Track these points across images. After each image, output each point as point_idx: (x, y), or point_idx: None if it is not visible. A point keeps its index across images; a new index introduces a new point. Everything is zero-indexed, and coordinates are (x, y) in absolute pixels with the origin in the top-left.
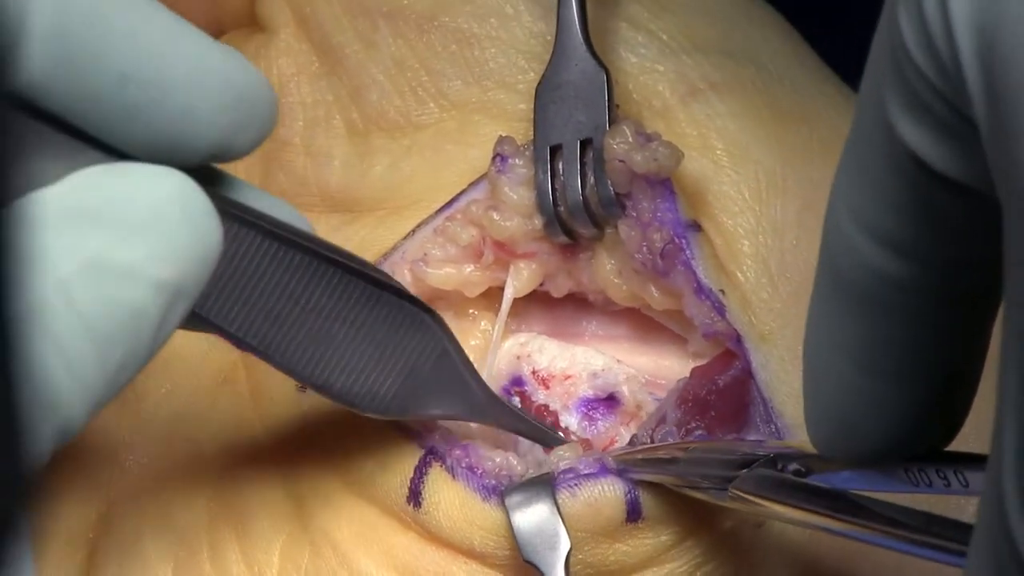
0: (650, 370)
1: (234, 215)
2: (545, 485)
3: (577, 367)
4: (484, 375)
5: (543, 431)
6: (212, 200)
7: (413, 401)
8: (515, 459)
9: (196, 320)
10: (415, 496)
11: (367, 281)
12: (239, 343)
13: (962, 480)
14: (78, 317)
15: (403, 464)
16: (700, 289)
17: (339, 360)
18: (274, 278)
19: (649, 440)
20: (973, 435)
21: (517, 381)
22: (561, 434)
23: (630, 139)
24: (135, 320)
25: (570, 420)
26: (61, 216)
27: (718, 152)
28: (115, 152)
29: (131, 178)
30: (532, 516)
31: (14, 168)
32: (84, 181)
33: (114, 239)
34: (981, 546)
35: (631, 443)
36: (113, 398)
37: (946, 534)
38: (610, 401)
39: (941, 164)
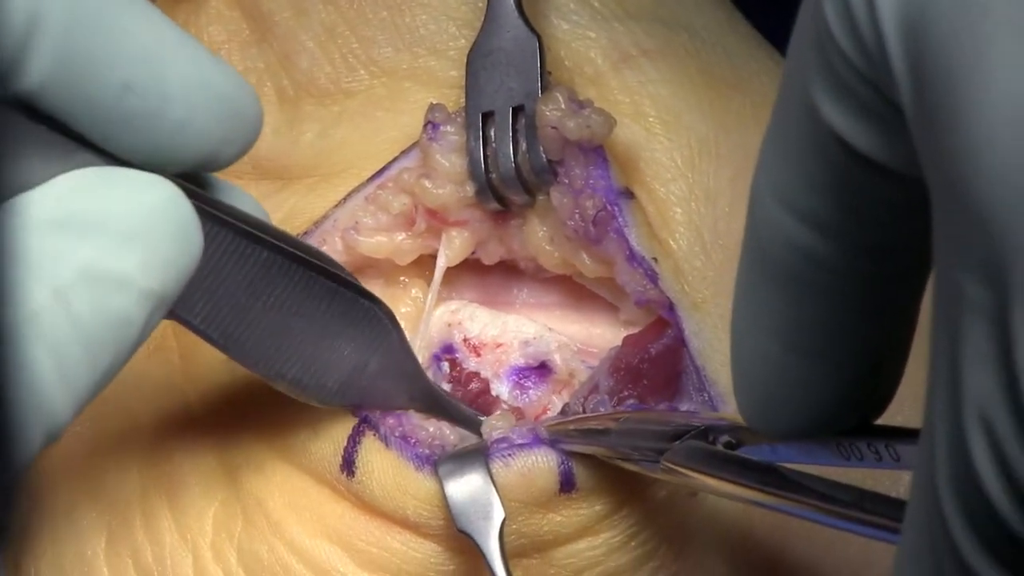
0: (582, 338)
1: (205, 211)
2: (478, 455)
3: (508, 335)
4: (416, 343)
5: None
6: (191, 201)
7: (357, 392)
8: (448, 429)
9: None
10: (348, 465)
11: (326, 277)
12: (201, 334)
13: (893, 454)
14: (73, 324)
15: (337, 432)
16: (632, 257)
17: (293, 353)
18: (240, 274)
19: (581, 409)
20: (909, 401)
21: (448, 349)
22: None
23: (563, 106)
24: (123, 327)
25: (501, 388)
26: (57, 221)
27: (650, 119)
28: (107, 154)
29: (124, 185)
30: (465, 486)
31: (10, 168)
32: (78, 184)
33: (108, 248)
34: (915, 528)
35: (563, 412)
36: (92, 401)
37: (878, 510)
38: (542, 369)
39: (865, 146)
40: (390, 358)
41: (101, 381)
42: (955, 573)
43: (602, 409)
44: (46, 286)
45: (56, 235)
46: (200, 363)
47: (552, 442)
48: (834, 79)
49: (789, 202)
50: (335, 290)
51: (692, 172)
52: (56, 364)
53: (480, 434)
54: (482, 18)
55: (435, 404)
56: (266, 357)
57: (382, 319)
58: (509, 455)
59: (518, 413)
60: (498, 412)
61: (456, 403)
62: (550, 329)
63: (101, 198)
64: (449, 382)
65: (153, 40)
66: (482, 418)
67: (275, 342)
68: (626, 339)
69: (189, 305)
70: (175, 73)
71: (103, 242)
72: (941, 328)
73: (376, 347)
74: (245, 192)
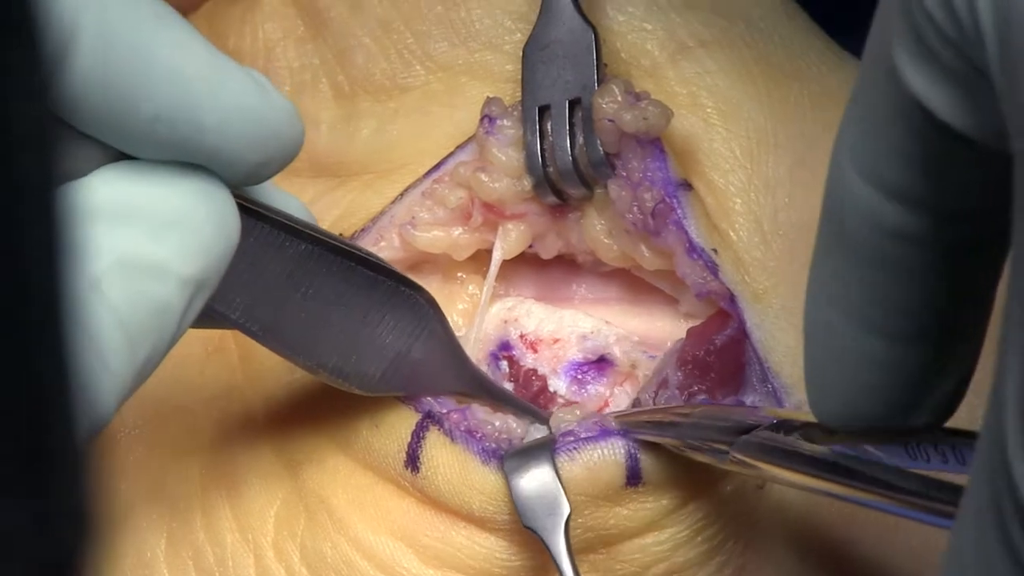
0: (641, 332)
1: (243, 205)
2: (545, 449)
3: (565, 330)
4: (471, 339)
5: (529, 408)
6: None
7: (400, 380)
8: (514, 422)
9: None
10: (413, 461)
11: (365, 267)
12: (240, 328)
13: (959, 458)
14: (112, 312)
15: (400, 429)
16: (692, 248)
17: (333, 343)
18: (278, 266)
19: (652, 403)
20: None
21: (505, 346)
22: (543, 411)
23: (619, 98)
24: (162, 315)
25: (558, 384)
26: (93, 212)
27: (708, 110)
28: None
29: (160, 176)
30: (532, 481)
31: (58, 154)
32: (115, 176)
33: (145, 236)
34: (978, 489)
35: (633, 405)
36: (136, 391)
37: (943, 497)
38: (600, 364)
39: (947, 114)
40: (433, 344)
41: (142, 370)
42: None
43: (674, 403)
44: (84, 275)
45: (95, 226)
46: (259, 363)
47: (621, 433)
48: (919, 44)
49: (871, 172)
50: (374, 279)
51: (751, 162)
52: (98, 352)
53: (541, 423)
54: (537, 11)
55: (482, 389)
56: (306, 347)
57: (423, 306)
58: (575, 448)
59: (570, 407)
60: (565, 405)
61: (503, 389)
62: (607, 323)
63: (137, 188)
64: (509, 381)
65: (187, 68)
66: (532, 406)
67: (314, 332)
68: (690, 331)
69: (228, 300)
70: (209, 101)
71: (139, 231)
72: (1018, 307)
73: (418, 334)
74: (291, 195)
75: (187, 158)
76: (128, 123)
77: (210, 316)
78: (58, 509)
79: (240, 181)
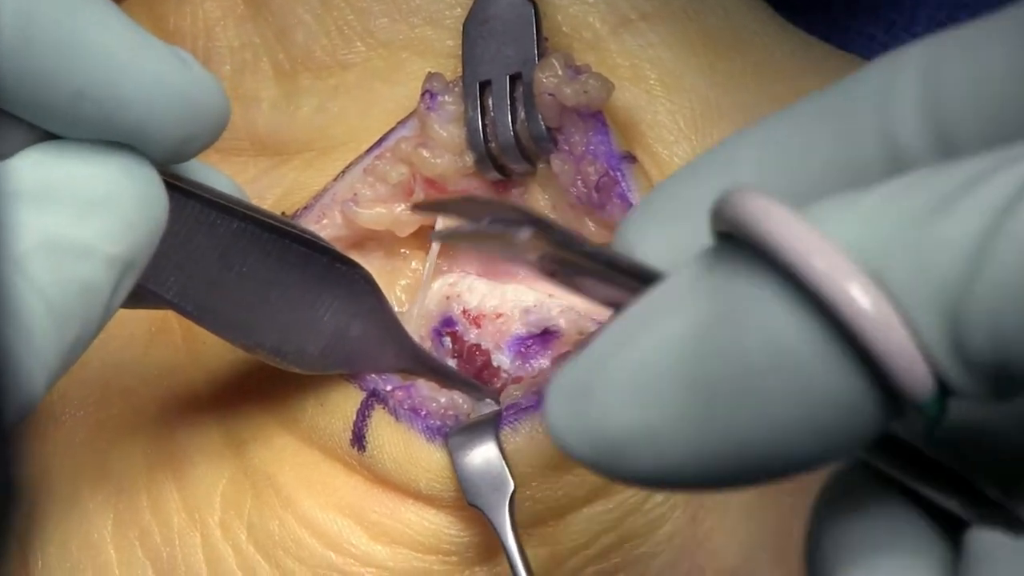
0: (585, 306)
1: (172, 184)
2: (490, 425)
3: (508, 305)
4: (414, 315)
5: (469, 382)
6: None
7: (340, 358)
8: (461, 398)
9: (135, 291)
10: (359, 440)
11: (300, 244)
12: (175, 308)
13: None
14: (38, 294)
15: (345, 407)
16: None
17: (271, 322)
18: (211, 245)
19: None
20: None
21: (448, 322)
22: (484, 386)
23: (559, 72)
24: (89, 295)
25: (502, 359)
26: (16, 193)
27: (651, 82)
28: None
29: (84, 156)
30: (476, 457)
31: None
32: (38, 158)
33: (69, 216)
34: None
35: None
36: (64, 374)
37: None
38: (544, 337)
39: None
40: (371, 321)
41: (71, 352)
42: None
43: None
44: (8, 257)
45: (19, 207)
46: (203, 342)
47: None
48: None
49: None
50: (309, 256)
51: (695, 134)
52: (25, 335)
53: (482, 397)
54: None
55: (423, 365)
56: (243, 327)
57: (359, 282)
58: (516, 420)
59: (522, 382)
60: (513, 382)
61: (444, 364)
62: (551, 296)
63: (61, 168)
64: (453, 357)
65: (109, 43)
66: (472, 380)
67: (251, 312)
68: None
69: (161, 280)
70: (132, 77)
71: (63, 210)
72: None
73: (356, 311)
74: (220, 172)
75: (111, 135)
76: (50, 99)
77: (144, 297)
78: None
79: (166, 158)
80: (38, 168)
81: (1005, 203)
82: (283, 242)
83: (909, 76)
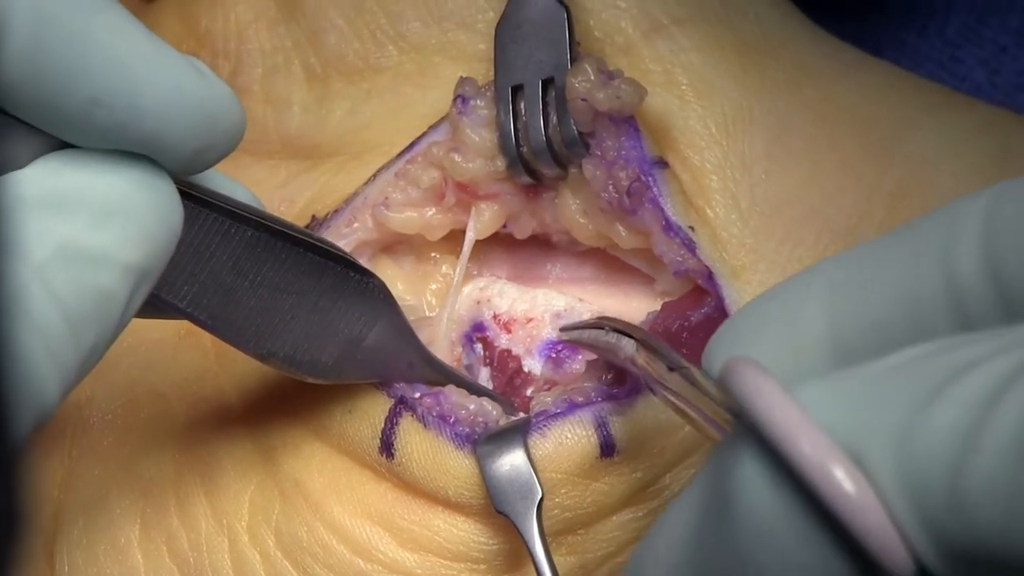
0: (615, 310)
1: (187, 193)
2: (518, 432)
3: (539, 309)
4: (444, 319)
5: (486, 391)
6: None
7: (353, 367)
8: (490, 405)
9: (148, 300)
10: (387, 447)
11: (314, 252)
12: (189, 318)
13: None
14: (55, 301)
15: (373, 415)
16: (669, 226)
17: (284, 331)
18: (224, 254)
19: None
20: None
21: (478, 327)
22: (501, 396)
23: (592, 77)
24: (106, 303)
25: (533, 364)
26: (35, 201)
27: (683, 87)
28: None
29: (101, 164)
30: (504, 465)
31: None
32: (55, 166)
33: (86, 225)
34: None
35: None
36: (81, 381)
37: None
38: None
39: None
40: (385, 330)
41: (88, 359)
42: None
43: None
44: (27, 264)
45: (36, 216)
46: (232, 347)
47: (590, 404)
48: None
49: None
50: (324, 265)
51: (727, 139)
52: (43, 342)
53: (500, 405)
54: None
55: (437, 373)
56: (256, 336)
57: (374, 291)
58: (545, 426)
59: (552, 389)
60: (542, 387)
61: (458, 372)
62: (581, 300)
63: (77, 177)
64: (485, 365)
65: (124, 51)
66: (487, 389)
67: (264, 320)
68: (665, 305)
69: (175, 289)
70: (146, 85)
71: (80, 220)
72: None
73: (370, 320)
74: (237, 182)
75: (125, 144)
76: (65, 107)
77: (158, 306)
78: None
79: (181, 168)
80: (55, 176)
81: (989, 397)
82: (297, 250)
83: (972, 232)
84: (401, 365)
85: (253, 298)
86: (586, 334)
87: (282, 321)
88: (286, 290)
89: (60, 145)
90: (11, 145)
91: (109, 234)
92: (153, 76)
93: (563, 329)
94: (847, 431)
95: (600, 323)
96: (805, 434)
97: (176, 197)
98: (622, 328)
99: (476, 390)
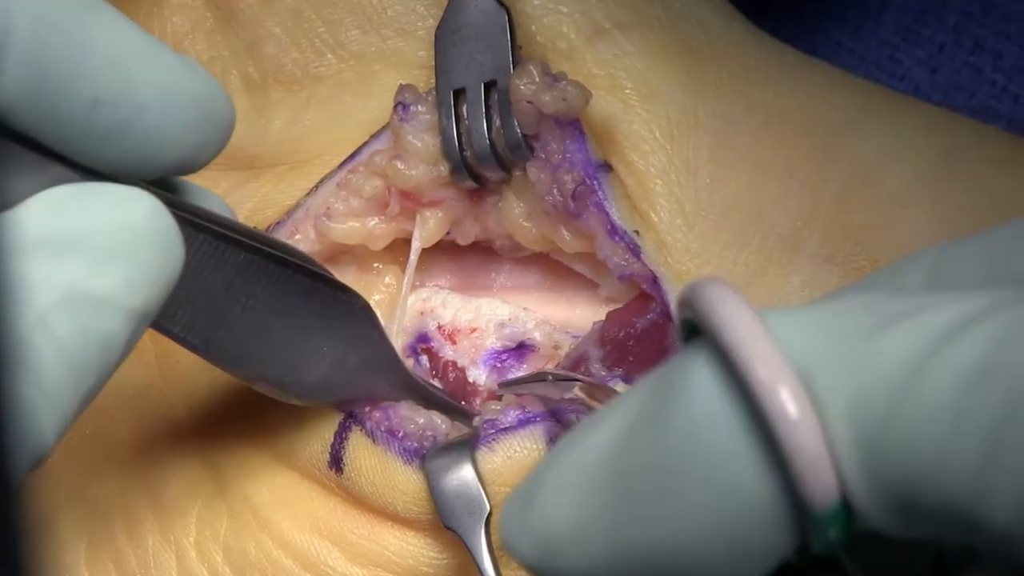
0: (560, 318)
1: (182, 217)
2: (466, 446)
3: (483, 319)
4: (394, 331)
5: (460, 410)
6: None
7: (337, 388)
8: (439, 419)
9: None
10: (336, 462)
11: (303, 274)
12: (180, 342)
13: None
14: (58, 349)
15: (323, 429)
16: (614, 230)
17: (274, 353)
18: (218, 277)
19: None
20: None
21: (423, 338)
22: (473, 412)
23: (537, 79)
24: (108, 347)
25: (478, 374)
26: (36, 243)
27: (627, 91)
28: (80, 167)
29: (104, 202)
30: (452, 480)
31: None
32: (55, 204)
33: (91, 268)
34: None
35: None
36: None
37: None
38: (520, 350)
39: None
40: (369, 351)
41: (85, 401)
42: None
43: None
44: (29, 312)
45: (38, 258)
46: (176, 361)
47: (541, 417)
48: None
49: None
50: (312, 286)
51: (671, 143)
52: (42, 388)
53: (467, 420)
54: None
55: (415, 391)
56: (247, 359)
57: (359, 313)
58: (494, 440)
59: (500, 400)
60: (491, 399)
61: (438, 393)
62: (526, 309)
63: (80, 217)
64: (432, 376)
65: (122, 50)
66: (461, 402)
67: (255, 344)
68: (610, 314)
69: (169, 314)
70: (146, 82)
71: (84, 263)
72: None
73: (354, 341)
74: (212, 192)
75: (128, 143)
76: (68, 110)
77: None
78: None
79: (181, 165)
80: (58, 214)
81: (945, 333)
82: (287, 272)
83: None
84: (382, 386)
85: (244, 321)
86: (526, 387)
87: (272, 344)
88: (276, 312)
89: (58, 179)
90: (11, 178)
91: (114, 278)
92: (152, 74)
93: (501, 385)
94: (802, 352)
95: (541, 375)
96: (760, 345)
97: (178, 233)
98: (563, 376)
99: (454, 411)
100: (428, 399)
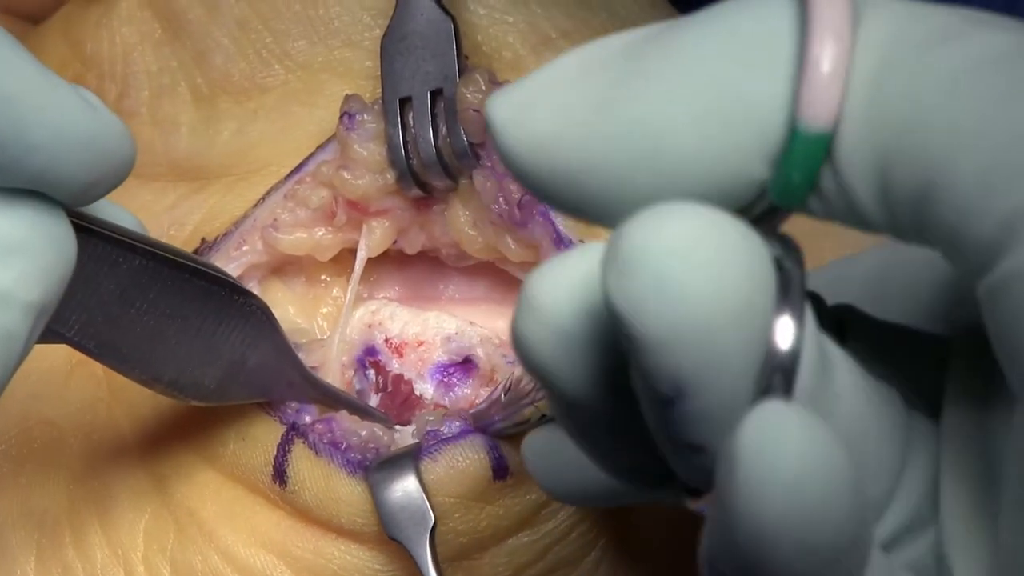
0: (506, 332)
1: (75, 223)
2: (409, 457)
3: (430, 332)
4: (335, 343)
5: (369, 410)
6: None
7: (236, 389)
8: (381, 431)
9: None
10: (280, 475)
11: (199, 278)
12: (75, 346)
13: None
14: None
15: (266, 442)
16: (560, 239)
17: (169, 356)
18: (112, 283)
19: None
20: None
21: (371, 351)
22: (382, 411)
23: (483, 87)
24: (7, 343)
25: (425, 388)
26: None
27: None
28: None
29: None
30: (396, 491)
31: None
32: None
33: None
34: None
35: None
36: None
37: None
38: (466, 365)
39: None
40: (267, 351)
41: None
42: None
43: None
44: None
45: None
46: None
47: (481, 428)
48: None
49: None
50: (208, 289)
51: None
52: None
53: (383, 424)
54: (394, 7)
55: (318, 392)
56: (142, 362)
57: (256, 313)
58: (436, 451)
59: (438, 410)
60: (431, 408)
61: (340, 392)
62: (472, 323)
63: None
64: (377, 392)
65: (14, 86)
66: (371, 408)
67: (150, 346)
68: None
69: (63, 318)
70: (38, 121)
71: None
72: None
73: (253, 342)
74: (123, 208)
75: (15, 182)
76: None
77: (45, 334)
78: None
79: (71, 202)
80: None
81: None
82: (183, 276)
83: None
84: (282, 384)
85: (139, 325)
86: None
87: (167, 347)
88: (172, 315)
89: None
90: None
91: (11, 273)
92: (44, 111)
93: (471, 414)
94: None
95: (496, 401)
96: None
97: (71, 231)
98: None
99: (355, 407)
100: (333, 398)
